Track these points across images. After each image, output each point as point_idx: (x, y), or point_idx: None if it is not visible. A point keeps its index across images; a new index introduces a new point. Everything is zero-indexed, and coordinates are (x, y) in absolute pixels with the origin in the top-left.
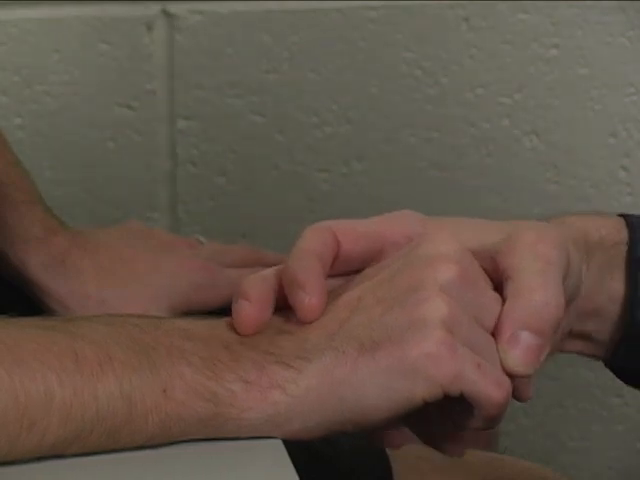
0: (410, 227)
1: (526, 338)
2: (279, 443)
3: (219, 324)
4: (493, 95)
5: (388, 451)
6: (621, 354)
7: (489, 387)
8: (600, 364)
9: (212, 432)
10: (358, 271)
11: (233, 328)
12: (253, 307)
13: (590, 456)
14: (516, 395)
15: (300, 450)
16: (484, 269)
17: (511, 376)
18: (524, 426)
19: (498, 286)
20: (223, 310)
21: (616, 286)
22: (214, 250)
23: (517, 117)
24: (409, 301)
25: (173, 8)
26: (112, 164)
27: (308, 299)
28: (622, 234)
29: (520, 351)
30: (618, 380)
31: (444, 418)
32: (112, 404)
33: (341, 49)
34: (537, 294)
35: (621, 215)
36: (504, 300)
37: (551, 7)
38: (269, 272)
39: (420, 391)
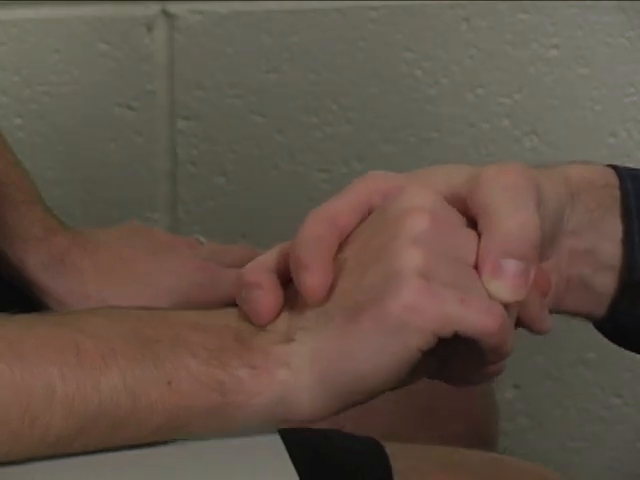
0: (385, 185)
1: (509, 265)
2: (279, 443)
3: (228, 314)
4: (493, 95)
5: (388, 451)
6: (620, 310)
7: (480, 317)
8: (600, 364)
9: (220, 422)
10: None
11: (244, 318)
12: (269, 296)
13: (590, 456)
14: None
15: (300, 450)
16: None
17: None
18: (524, 426)
19: (473, 227)
20: None
21: (610, 227)
22: (214, 250)
23: (517, 117)
24: (383, 257)
25: (173, 8)
26: (112, 164)
27: (310, 279)
28: (610, 179)
29: (505, 279)
30: (618, 380)
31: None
32: (115, 397)
33: (341, 49)
34: (510, 219)
35: (609, 166)
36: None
37: (551, 7)
38: (268, 259)
39: (413, 343)
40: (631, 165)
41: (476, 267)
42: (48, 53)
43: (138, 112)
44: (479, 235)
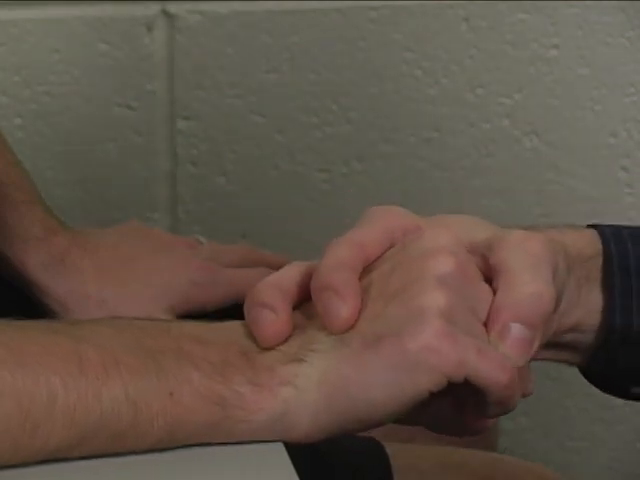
0: (406, 222)
1: (517, 330)
2: (279, 443)
3: (235, 330)
4: (493, 95)
5: (388, 451)
6: (600, 360)
7: (492, 370)
8: None
9: (220, 436)
10: None
11: (250, 335)
12: (279, 319)
13: (590, 456)
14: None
15: (300, 450)
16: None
17: None
18: (524, 426)
19: (488, 282)
20: (223, 310)
21: (594, 299)
22: (214, 250)
23: (517, 117)
24: (408, 293)
25: (173, 8)
26: (112, 164)
27: (345, 309)
28: (597, 246)
29: (510, 342)
30: None
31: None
32: (117, 408)
33: (341, 49)
34: (529, 287)
35: (592, 226)
36: (495, 293)
37: (551, 7)
38: (282, 278)
39: (425, 383)
40: (630, 164)
41: (485, 324)
42: (48, 53)
43: (138, 112)
44: (493, 292)
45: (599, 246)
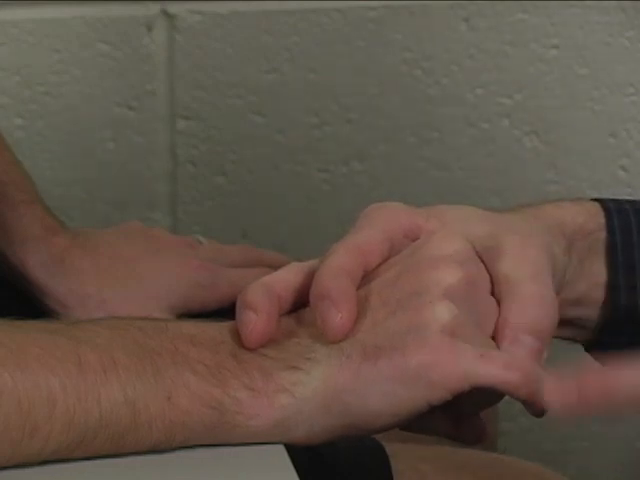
0: (406, 221)
1: (527, 342)
2: (280, 444)
3: (227, 330)
4: (493, 95)
5: (388, 451)
6: (605, 338)
7: (499, 372)
8: None
9: (218, 439)
10: None
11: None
12: (260, 320)
13: (590, 456)
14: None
15: (300, 450)
16: None
17: None
18: (524, 426)
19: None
20: (223, 310)
21: (597, 272)
22: (214, 250)
23: (517, 117)
24: (412, 305)
25: (173, 8)
26: (112, 164)
27: (340, 317)
28: (599, 219)
29: (523, 353)
30: None
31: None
32: (116, 410)
33: (341, 49)
34: (534, 299)
35: (596, 200)
36: (499, 304)
37: (551, 7)
38: (273, 279)
39: (423, 397)
40: (630, 164)
41: (492, 338)
42: (48, 53)
43: (138, 112)
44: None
45: (601, 220)
